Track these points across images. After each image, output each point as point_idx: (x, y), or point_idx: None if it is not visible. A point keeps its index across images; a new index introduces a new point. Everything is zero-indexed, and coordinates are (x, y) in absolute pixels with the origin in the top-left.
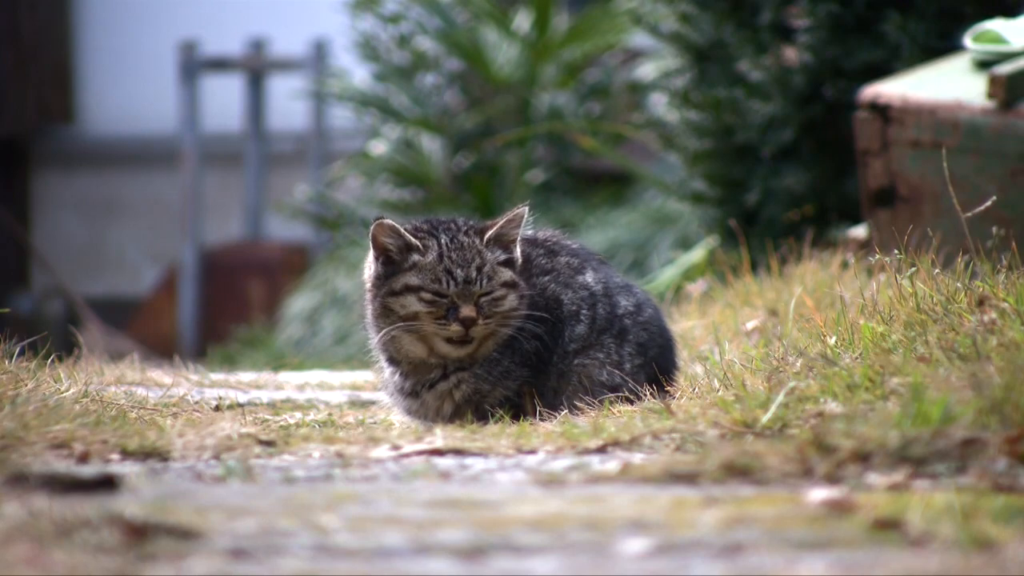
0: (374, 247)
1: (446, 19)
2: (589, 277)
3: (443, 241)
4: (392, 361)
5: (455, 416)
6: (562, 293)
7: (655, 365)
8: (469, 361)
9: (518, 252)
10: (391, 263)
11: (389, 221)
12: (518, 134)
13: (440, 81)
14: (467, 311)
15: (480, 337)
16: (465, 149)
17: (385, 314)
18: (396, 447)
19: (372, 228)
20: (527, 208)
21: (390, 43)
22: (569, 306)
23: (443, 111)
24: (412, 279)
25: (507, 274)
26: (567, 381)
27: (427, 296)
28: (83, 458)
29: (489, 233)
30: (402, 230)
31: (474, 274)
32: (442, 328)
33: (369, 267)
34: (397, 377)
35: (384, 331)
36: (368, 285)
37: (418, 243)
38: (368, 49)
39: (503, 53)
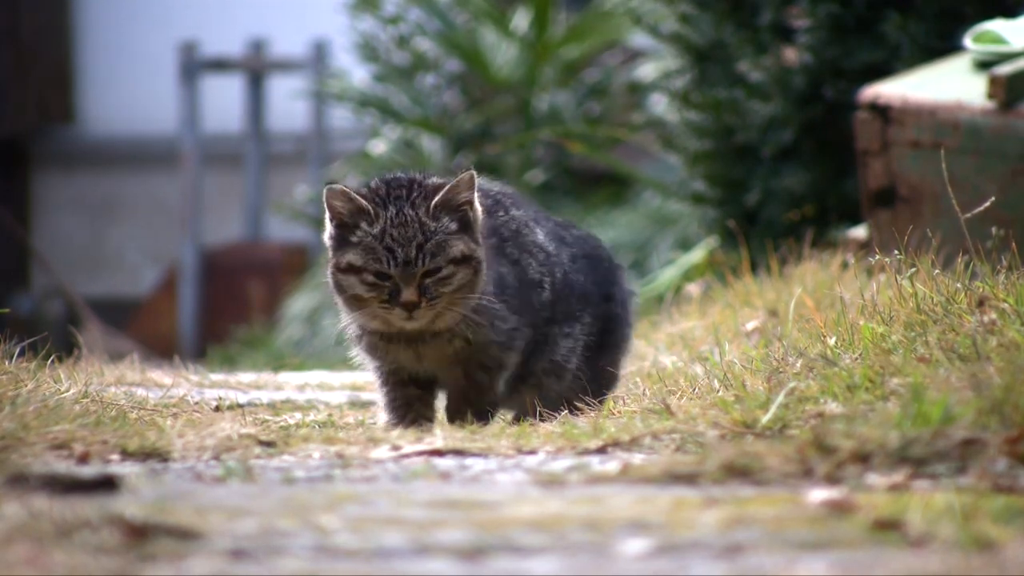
0: (328, 212)
1: (445, 20)
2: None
3: (389, 214)
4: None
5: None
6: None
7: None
8: (431, 332)
9: (475, 214)
10: (344, 227)
11: (340, 186)
12: (515, 140)
13: (440, 82)
14: (408, 294)
15: (431, 316)
16: (465, 149)
17: (338, 290)
18: (396, 447)
19: (324, 192)
20: (474, 171)
21: (390, 44)
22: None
23: (443, 111)
24: (354, 258)
25: (457, 248)
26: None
27: (369, 279)
28: (83, 459)
29: (436, 199)
30: (353, 194)
31: (413, 253)
32: (386, 311)
33: (326, 232)
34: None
35: (347, 312)
36: (329, 254)
37: (370, 208)
38: (368, 50)
39: (502, 53)
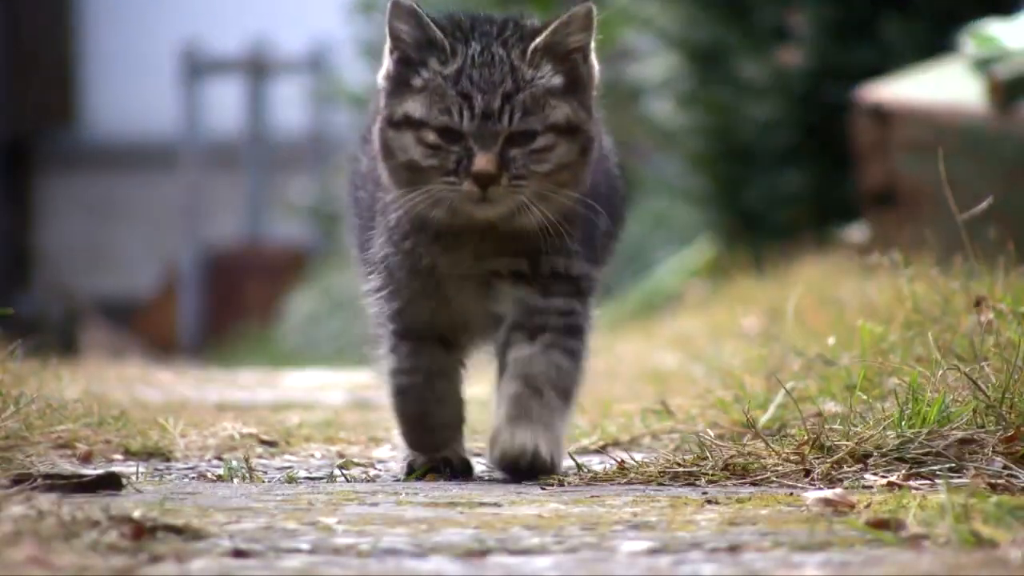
0: (389, 39)
1: None
2: None
3: (471, 51)
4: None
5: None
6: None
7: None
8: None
9: (590, 70)
10: (407, 64)
11: (411, 3)
12: None
13: None
14: (483, 161)
15: (512, 203)
16: None
17: (385, 155)
18: (396, 447)
19: (388, 11)
20: (593, 7)
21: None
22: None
23: None
24: (415, 107)
25: (561, 111)
26: None
27: (431, 138)
28: (86, 458)
29: (537, 40)
30: (425, 18)
31: (498, 104)
32: (450, 187)
33: (382, 71)
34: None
35: (393, 193)
36: (380, 102)
37: (446, 42)
38: (368, 50)
39: None
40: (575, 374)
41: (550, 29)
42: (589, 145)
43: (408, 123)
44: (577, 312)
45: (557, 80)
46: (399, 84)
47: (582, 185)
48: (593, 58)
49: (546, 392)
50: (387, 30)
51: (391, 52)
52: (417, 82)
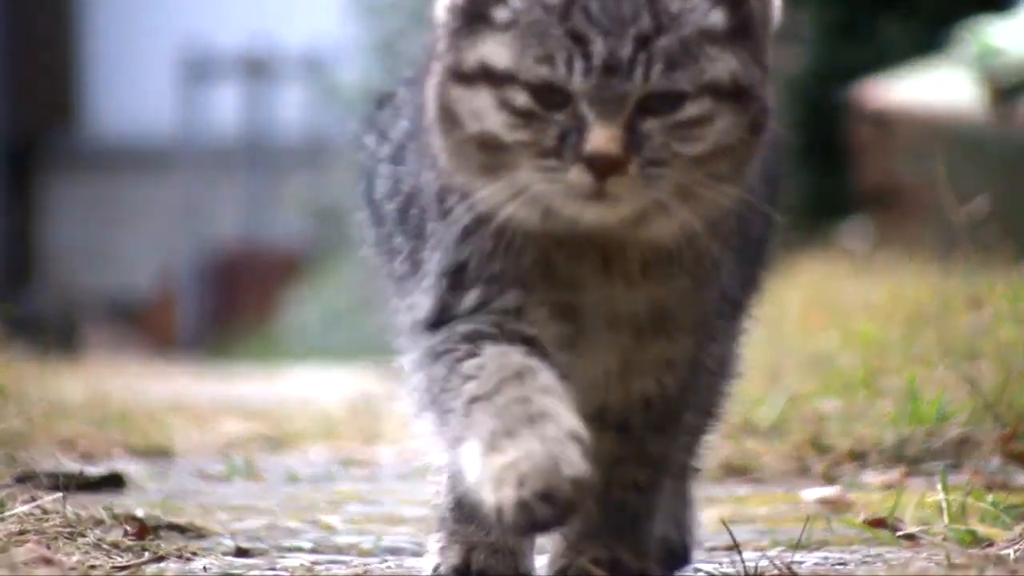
0: None
1: None
2: None
3: None
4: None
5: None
6: None
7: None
8: (646, 247)
9: (764, 4)
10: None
11: None
12: None
13: None
14: (602, 137)
15: (644, 200)
16: None
17: (444, 122)
18: (397, 445)
19: None
20: None
21: (399, 44)
22: None
23: None
24: (497, 51)
25: (725, 64)
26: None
27: (520, 99)
28: (89, 456)
29: None
30: None
31: (628, 51)
32: (550, 175)
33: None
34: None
35: (461, 181)
36: (440, 47)
37: None
38: (376, 45)
39: None
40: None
41: None
42: (762, 118)
43: (485, 76)
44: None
45: (717, 17)
46: (472, 17)
47: (747, 177)
48: None
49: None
50: None
51: None
52: (502, 14)
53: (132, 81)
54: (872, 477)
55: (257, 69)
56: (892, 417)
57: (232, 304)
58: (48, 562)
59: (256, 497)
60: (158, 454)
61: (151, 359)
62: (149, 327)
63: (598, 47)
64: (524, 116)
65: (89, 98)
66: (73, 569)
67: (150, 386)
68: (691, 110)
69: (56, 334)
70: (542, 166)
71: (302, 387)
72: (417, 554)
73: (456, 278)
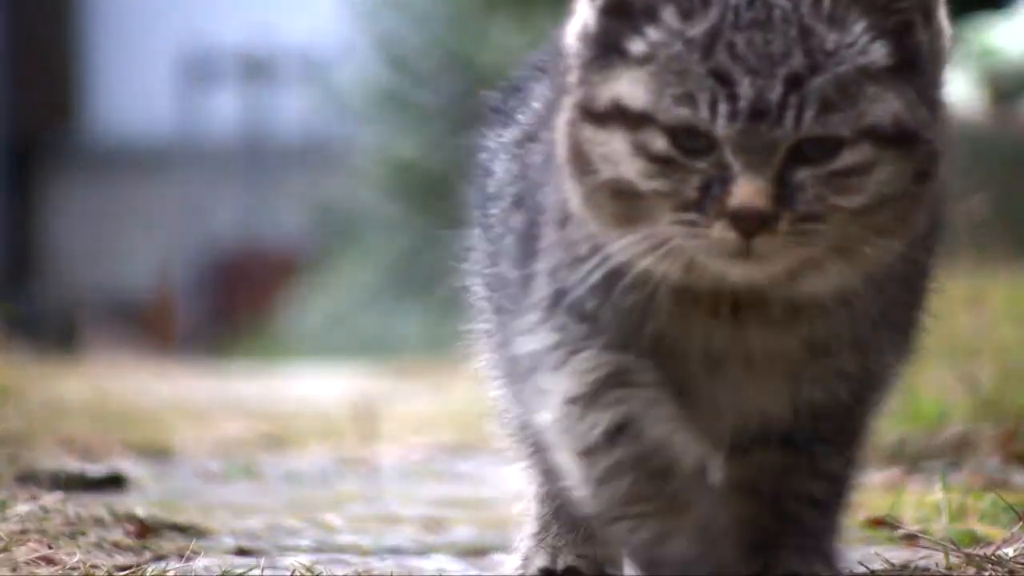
0: None
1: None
2: None
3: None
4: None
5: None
6: None
7: None
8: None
9: (934, 36)
10: (622, 17)
11: None
12: None
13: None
14: (748, 191)
15: (794, 257)
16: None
17: (576, 166)
18: (399, 444)
19: None
20: None
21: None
22: None
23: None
24: (633, 89)
25: (887, 105)
26: None
27: (659, 145)
28: (90, 456)
29: None
30: None
31: (778, 92)
32: (690, 230)
33: (577, 27)
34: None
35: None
36: (571, 79)
37: None
38: (366, 52)
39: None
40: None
41: None
42: (930, 165)
43: (620, 116)
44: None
45: (879, 52)
46: (605, 49)
47: (912, 229)
48: (941, 15)
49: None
50: None
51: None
52: (637, 48)
53: (132, 82)
54: (871, 476)
55: (256, 70)
56: (892, 416)
57: (232, 304)
58: (50, 561)
59: (256, 496)
60: (158, 453)
61: (151, 359)
62: (149, 327)
63: (744, 88)
64: (662, 163)
65: (89, 98)
66: (74, 568)
67: (150, 386)
68: (849, 158)
69: (56, 334)
70: (682, 219)
71: (302, 387)
72: (418, 553)
73: (585, 320)
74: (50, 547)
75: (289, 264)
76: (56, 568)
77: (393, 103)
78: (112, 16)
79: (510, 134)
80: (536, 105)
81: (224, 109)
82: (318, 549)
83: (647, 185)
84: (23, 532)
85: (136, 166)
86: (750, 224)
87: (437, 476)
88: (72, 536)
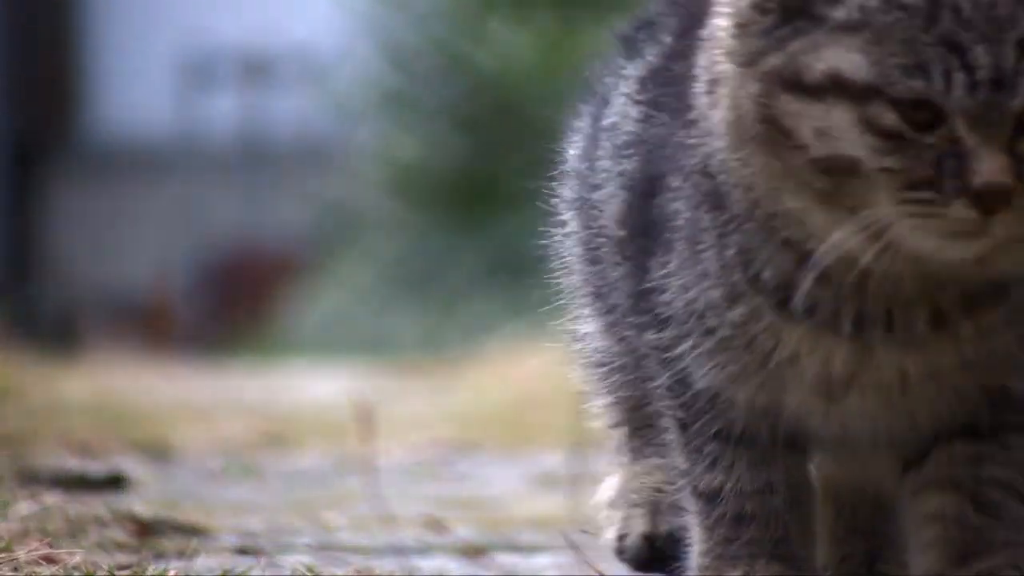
0: None
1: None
2: None
3: None
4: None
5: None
6: None
7: None
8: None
9: None
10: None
11: None
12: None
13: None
14: (994, 165)
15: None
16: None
17: (771, 142)
18: (399, 444)
19: None
20: None
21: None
22: None
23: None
24: (850, 59)
25: None
26: None
27: (887, 118)
28: (91, 456)
29: None
30: None
31: (1011, 59)
32: (924, 208)
33: (721, 36)
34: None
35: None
36: (736, 49)
37: None
38: (384, 45)
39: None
40: None
41: None
42: None
43: (839, 88)
44: None
45: None
46: (793, 14)
47: None
48: None
49: None
50: None
51: None
52: (839, 14)
53: (132, 82)
54: None
55: (256, 71)
56: None
57: (232, 304)
58: (51, 561)
59: (257, 496)
60: (159, 453)
61: (151, 359)
62: (149, 326)
63: (980, 57)
64: (893, 139)
65: (89, 99)
66: (76, 568)
67: (151, 385)
68: None
69: (56, 334)
70: (912, 198)
71: (302, 386)
72: (418, 552)
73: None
74: (51, 546)
75: (289, 264)
76: (57, 567)
77: (393, 103)
78: (112, 17)
79: (634, 68)
80: (668, 40)
81: (224, 110)
82: (318, 548)
83: (877, 163)
84: (24, 532)
85: (136, 166)
86: (996, 201)
87: (437, 476)
88: (73, 535)
